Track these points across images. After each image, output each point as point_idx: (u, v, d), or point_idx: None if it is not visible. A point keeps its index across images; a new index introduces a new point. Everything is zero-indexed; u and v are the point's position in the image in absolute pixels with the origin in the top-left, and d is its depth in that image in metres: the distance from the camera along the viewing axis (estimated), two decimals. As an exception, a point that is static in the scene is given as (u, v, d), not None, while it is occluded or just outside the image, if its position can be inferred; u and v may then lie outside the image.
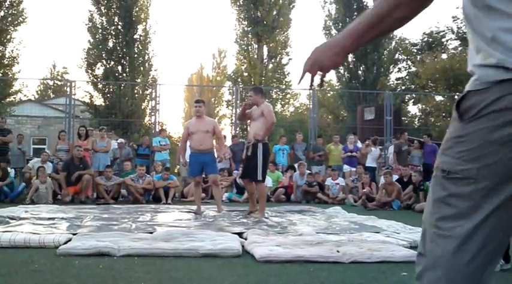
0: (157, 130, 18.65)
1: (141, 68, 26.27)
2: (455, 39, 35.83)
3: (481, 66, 1.57)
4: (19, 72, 26.03)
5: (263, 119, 8.73)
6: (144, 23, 26.58)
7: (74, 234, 5.90)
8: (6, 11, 24.59)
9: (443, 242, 1.53)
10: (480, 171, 1.52)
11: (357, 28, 1.84)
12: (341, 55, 1.86)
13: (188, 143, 10.13)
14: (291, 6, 30.44)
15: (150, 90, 24.79)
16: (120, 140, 16.70)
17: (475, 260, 1.51)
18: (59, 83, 50.34)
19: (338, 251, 4.75)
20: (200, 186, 10.62)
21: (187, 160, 10.42)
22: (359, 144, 16.33)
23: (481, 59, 1.56)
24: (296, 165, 15.40)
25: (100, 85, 25.52)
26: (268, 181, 14.65)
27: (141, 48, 26.32)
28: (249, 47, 30.49)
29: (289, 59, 31.14)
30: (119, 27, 25.97)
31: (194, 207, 10.54)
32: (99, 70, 26.01)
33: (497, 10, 1.52)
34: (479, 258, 1.51)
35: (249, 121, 9.63)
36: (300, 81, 1.99)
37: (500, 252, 1.57)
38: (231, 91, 30.47)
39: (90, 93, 25.45)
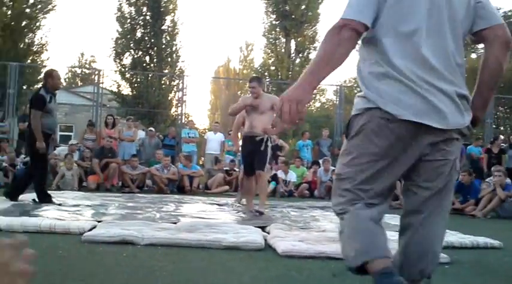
0: (183, 121, 18.75)
1: (169, 59, 26.39)
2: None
3: (357, 96, 2.48)
4: (48, 59, 26.42)
5: (272, 113, 8.08)
6: (172, 14, 26.70)
7: (99, 221, 5.96)
8: (35, -2, 24.78)
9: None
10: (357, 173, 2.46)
11: (312, 79, 2.38)
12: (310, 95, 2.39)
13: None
14: (319, 1, 30.31)
15: (177, 81, 24.92)
16: (151, 129, 16.79)
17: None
18: (87, 71, 50.80)
19: (360, 249, 4.74)
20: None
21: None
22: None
23: (358, 91, 2.43)
24: (321, 161, 15.36)
25: (127, 75, 25.70)
26: (293, 176, 14.66)
27: (169, 39, 26.46)
28: (277, 41, 30.45)
29: (317, 54, 31.05)
30: (147, 17, 26.11)
31: (218, 199, 10.57)
32: (127, 59, 26.21)
33: (365, 59, 2.49)
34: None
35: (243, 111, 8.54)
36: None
37: None
38: (257, 84, 30.50)
39: (117, 82, 25.68)
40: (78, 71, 53.48)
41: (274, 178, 14.28)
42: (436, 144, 2.42)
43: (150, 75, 25.18)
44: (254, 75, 32.25)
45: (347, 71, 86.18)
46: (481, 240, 5.80)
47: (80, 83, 48.58)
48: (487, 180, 11.77)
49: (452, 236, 6.01)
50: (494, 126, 21.08)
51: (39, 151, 7.83)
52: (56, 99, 8.25)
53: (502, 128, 26.89)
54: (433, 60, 2.37)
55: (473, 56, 32.12)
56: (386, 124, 2.36)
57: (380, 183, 2.48)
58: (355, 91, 38.02)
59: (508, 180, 11.49)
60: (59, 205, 7.78)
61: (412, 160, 2.45)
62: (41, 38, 25.22)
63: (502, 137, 18.08)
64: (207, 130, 25.64)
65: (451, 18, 2.43)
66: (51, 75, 8.16)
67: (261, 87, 8.33)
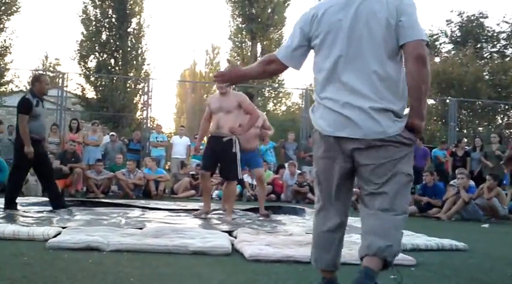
0: (149, 125, 18.65)
1: (134, 62, 26.27)
2: (449, 43, 36.02)
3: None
4: (11, 62, 26.01)
5: (238, 112, 7.80)
6: (138, 17, 26.60)
7: (64, 228, 5.88)
8: (-1, -1, 24.48)
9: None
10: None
11: (248, 72, 3.52)
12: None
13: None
14: (285, 5, 30.50)
15: (142, 84, 24.81)
16: (112, 133, 16.67)
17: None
18: (51, 75, 50.04)
19: (327, 252, 4.76)
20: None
21: None
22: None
23: None
24: (286, 165, 15.42)
25: (92, 78, 25.51)
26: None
27: (134, 41, 26.34)
28: (243, 44, 30.53)
29: (283, 58, 31.14)
30: (113, 19, 25.97)
31: (184, 204, 10.53)
32: (92, 62, 26.01)
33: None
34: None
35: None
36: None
37: None
38: (223, 88, 30.50)
39: (82, 86, 25.47)
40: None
41: (240, 182, 14.29)
42: (361, 149, 2.93)
43: (115, 79, 25.02)
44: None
45: (312, 74, 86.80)
46: (446, 242, 5.89)
47: (43, 86, 47.87)
48: (451, 182, 11.95)
49: (418, 239, 6.09)
50: (457, 130, 21.39)
51: (27, 156, 7.71)
52: (44, 103, 8.18)
53: (465, 131, 27.31)
54: (353, 83, 2.93)
55: (437, 59, 32.57)
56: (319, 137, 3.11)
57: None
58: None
59: (472, 183, 11.68)
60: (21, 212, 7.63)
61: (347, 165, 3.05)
62: (5, 40, 24.94)
63: (465, 140, 18.36)
64: (172, 134, 25.52)
65: (370, 41, 2.92)
66: (39, 79, 8.12)
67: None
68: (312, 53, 3.17)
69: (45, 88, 8.11)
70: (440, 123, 28.43)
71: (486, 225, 9.49)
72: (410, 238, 6.18)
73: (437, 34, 36.07)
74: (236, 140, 7.76)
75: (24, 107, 7.78)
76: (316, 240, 3.25)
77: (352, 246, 5.20)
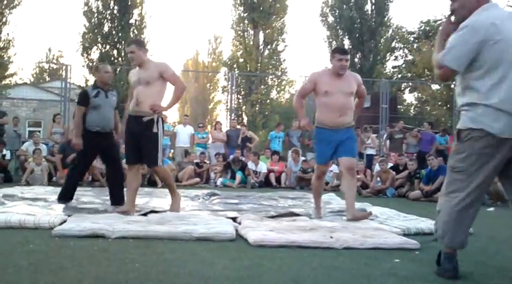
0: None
1: (137, 53, 26.15)
2: (453, 28, 35.77)
3: None
4: (15, 55, 26.01)
5: (161, 83, 6.58)
6: (139, 8, 26.57)
7: (69, 216, 5.91)
8: (1, -7, 24.47)
9: (449, 202, 3.64)
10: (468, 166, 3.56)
11: None
12: None
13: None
14: (287, -7, 30.37)
15: (145, 74, 24.73)
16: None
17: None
18: (55, 66, 50.24)
19: (331, 237, 4.78)
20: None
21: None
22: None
23: None
24: (290, 152, 15.46)
25: (95, 69, 25.45)
26: (263, 167, 14.71)
27: (136, 32, 26.33)
28: (245, 33, 30.47)
29: (285, 46, 31.19)
30: (115, 11, 25.95)
31: (188, 191, 10.49)
32: (95, 54, 26.05)
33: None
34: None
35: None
36: None
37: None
38: (226, 77, 30.53)
39: (85, 77, 25.47)
40: (46, 66, 52.81)
41: (243, 168, 14.35)
42: None
43: (118, 69, 24.99)
44: (224, 67, 31.99)
45: (316, 62, 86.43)
46: (451, 226, 5.88)
47: (47, 78, 47.97)
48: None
49: (422, 223, 6.11)
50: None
51: (83, 150, 7.45)
52: (108, 94, 7.59)
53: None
54: None
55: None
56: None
57: None
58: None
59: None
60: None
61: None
62: (8, 33, 24.96)
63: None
64: (176, 124, 25.55)
65: None
66: (97, 69, 7.81)
67: (143, 51, 6.72)
68: None
69: (105, 77, 7.59)
70: (445, 108, 28.34)
71: (491, 209, 9.48)
72: (415, 222, 6.20)
73: (441, 19, 35.88)
74: (159, 119, 6.60)
75: (79, 98, 7.52)
76: (454, 222, 3.66)
77: (356, 231, 5.22)
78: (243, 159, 14.87)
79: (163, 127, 6.80)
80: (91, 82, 25.28)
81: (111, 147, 7.61)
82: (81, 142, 7.36)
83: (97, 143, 7.40)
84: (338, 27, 33.19)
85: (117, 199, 7.51)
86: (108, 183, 7.96)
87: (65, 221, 5.48)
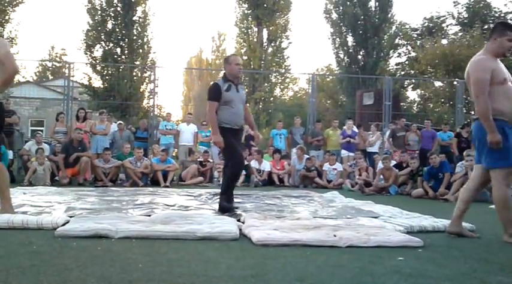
0: (155, 113, 18.66)
1: (140, 50, 26.23)
2: (456, 25, 35.76)
3: None
4: (17, 53, 25.95)
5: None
6: (143, 5, 26.52)
7: (72, 216, 5.91)
8: (4, -9, 24.45)
9: None
10: None
11: None
12: None
13: None
14: (291, -11, 30.33)
15: (148, 72, 24.81)
16: (120, 122, 16.72)
17: None
18: (58, 65, 50.26)
19: (335, 236, 4.77)
20: None
21: None
22: (355, 129, 16.36)
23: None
24: (294, 150, 15.45)
25: (99, 67, 25.48)
26: (266, 166, 14.71)
27: (140, 30, 26.28)
28: (249, 30, 30.45)
29: (289, 43, 31.15)
30: (118, 8, 25.91)
31: (193, 190, 10.50)
32: (98, 52, 26.00)
33: None
34: None
35: None
36: None
37: None
38: (230, 74, 30.45)
39: (88, 75, 25.45)
40: (49, 64, 52.85)
41: (247, 167, 14.34)
42: None
43: (121, 67, 25.00)
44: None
45: (319, 59, 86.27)
46: (454, 224, 5.87)
47: (50, 77, 47.99)
48: (458, 164, 11.91)
49: (425, 221, 6.11)
50: (465, 111, 21.31)
51: (232, 151, 6.95)
52: (238, 87, 7.13)
53: (472, 113, 27.18)
54: None
55: (444, 41, 32.38)
56: None
57: None
58: (327, 79, 38.19)
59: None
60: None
61: None
62: (10, 31, 24.92)
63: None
64: (180, 122, 25.59)
65: None
66: (227, 60, 7.20)
67: None
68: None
69: (236, 70, 7.08)
70: (447, 105, 28.30)
71: (493, 206, 9.44)
72: (418, 220, 6.19)
73: (445, 16, 35.84)
74: None
75: (211, 93, 6.97)
76: None
77: (359, 229, 5.21)
78: (246, 157, 14.86)
79: (2, 112, 5.96)
80: (94, 80, 25.34)
81: (240, 145, 7.39)
82: (222, 139, 6.83)
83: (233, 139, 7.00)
84: (342, 24, 33.14)
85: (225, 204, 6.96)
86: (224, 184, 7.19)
87: (68, 221, 5.47)
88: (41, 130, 19.91)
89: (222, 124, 6.90)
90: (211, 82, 7.14)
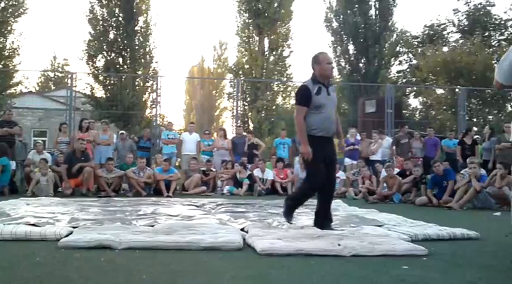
0: (158, 122, 18.68)
1: (142, 60, 26.24)
2: (456, 32, 35.82)
3: None
4: (20, 63, 25.96)
5: None
6: (145, 15, 26.55)
7: (75, 227, 5.90)
8: (6, 2, 24.57)
9: None
10: None
11: None
12: None
13: None
14: (292, -2, 30.35)
15: (151, 82, 24.82)
16: (122, 132, 16.73)
17: None
18: (60, 75, 50.32)
19: (339, 245, 4.75)
20: None
21: None
22: (358, 137, 16.34)
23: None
24: (297, 158, 15.44)
25: (101, 77, 25.51)
26: (269, 174, 14.70)
27: (142, 40, 26.29)
28: (250, 39, 30.43)
29: (291, 51, 31.08)
30: (120, 18, 25.94)
31: (196, 200, 10.49)
32: (100, 62, 26.00)
33: None
34: None
35: None
36: None
37: None
38: (232, 83, 30.54)
39: (91, 85, 25.46)
40: (51, 74, 52.92)
41: (250, 177, 14.33)
42: None
43: (123, 77, 25.00)
44: (229, 74, 31.53)
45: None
46: (458, 231, 5.88)
47: (53, 87, 48.06)
48: (461, 171, 11.89)
49: (429, 229, 6.08)
50: (467, 118, 21.31)
51: (310, 161, 6.15)
52: (329, 90, 6.26)
53: (475, 120, 27.20)
54: None
55: (445, 49, 32.41)
56: None
57: None
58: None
59: (483, 171, 11.63)
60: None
61: None
62: (13, 42, 24.96)
63: (475, 129, 18.29)
64: (182, 131, 25.58)
65: None
66: (317, 59, 6.22)
67: None
68: None
69: (328, 69, 6.23)
70: (450, 112, 28.28)
71: (498, 213, 9.43)
72: (422, 228, 6.17)
73: (445, 23, 35.88)
74: None
75: (299, 97, 6.21)
76: None
77: (363, 238, 5.19)
78: (249, 166, 14.87)
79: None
80: (96, 90, 25.34)
81: (334, 154, 6.53)
82: (310, 150, 6.07)
83: (323, 150, 6.17)
84: (342, 32, 33.17)
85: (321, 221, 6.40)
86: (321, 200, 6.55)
87: (71, 232, 5.46)
88: (42, 141, 19.89)
89: (312, 132, 6.12)
90: (300, 84, 6.39)
